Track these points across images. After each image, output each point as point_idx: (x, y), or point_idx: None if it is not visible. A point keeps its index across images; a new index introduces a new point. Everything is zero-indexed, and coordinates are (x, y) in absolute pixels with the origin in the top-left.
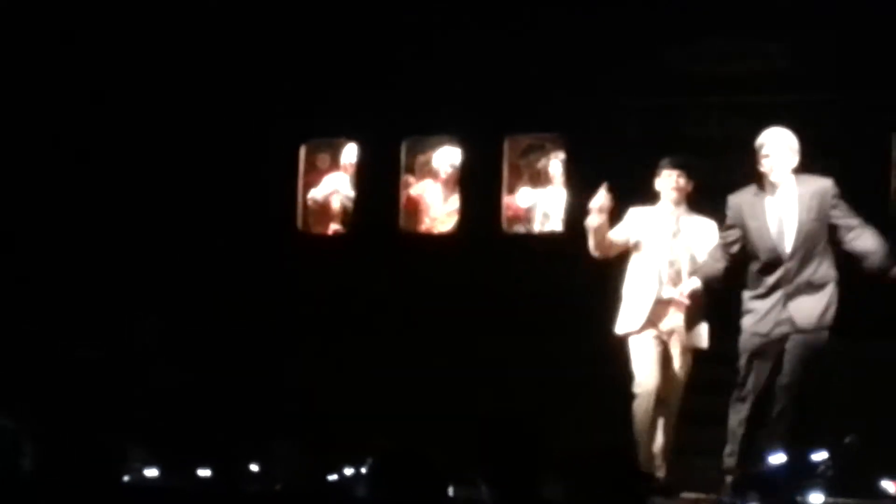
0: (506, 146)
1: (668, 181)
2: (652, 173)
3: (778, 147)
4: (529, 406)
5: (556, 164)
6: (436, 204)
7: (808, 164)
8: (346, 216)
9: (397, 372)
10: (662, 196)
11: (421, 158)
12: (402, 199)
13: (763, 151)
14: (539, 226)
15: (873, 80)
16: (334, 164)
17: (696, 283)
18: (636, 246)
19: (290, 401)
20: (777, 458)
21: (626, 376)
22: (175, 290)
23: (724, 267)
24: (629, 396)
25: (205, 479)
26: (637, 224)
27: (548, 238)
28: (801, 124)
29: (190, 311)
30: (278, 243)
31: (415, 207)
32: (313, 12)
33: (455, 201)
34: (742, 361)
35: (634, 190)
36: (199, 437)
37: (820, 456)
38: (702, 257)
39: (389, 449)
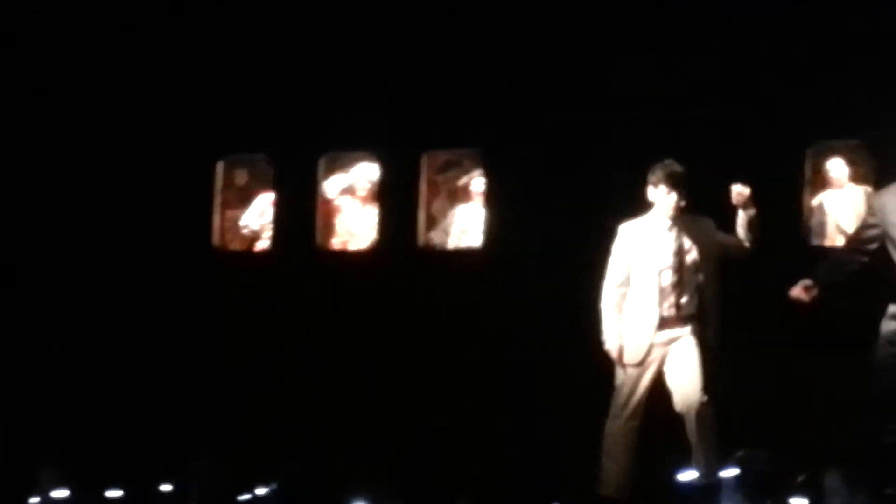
0: (424, 162)
1: (664, 196)
2: (571, 188)
3: None
4: (449, 422)
5: (474, 180)
6: (354, 220)
7: (725, 180)
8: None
9: (315, 388)
10: (657, 210)
11: (339, 175)
12: (320, 216)
13: None
14: (457, 241)
15: (789, 96)
16: (253, 181)
17: (803, 294)
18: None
19: (206, 419)
20: (687, 475)
21: (548, 392)
22: (86, 305)
23: (854, 270)
24: (556, 412)
25: (116, 500)
26: (632, 242)
27: (466, 254)
28: (719, 140)
29: (101, 326)
30: (193, 260)
31: (333, 224)
32: (230, 27)
33: (373, 217)
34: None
35: (553, 207)
36: (111, 456)
37: (731, 472)
38: (697, 268)
39: (298, 467)
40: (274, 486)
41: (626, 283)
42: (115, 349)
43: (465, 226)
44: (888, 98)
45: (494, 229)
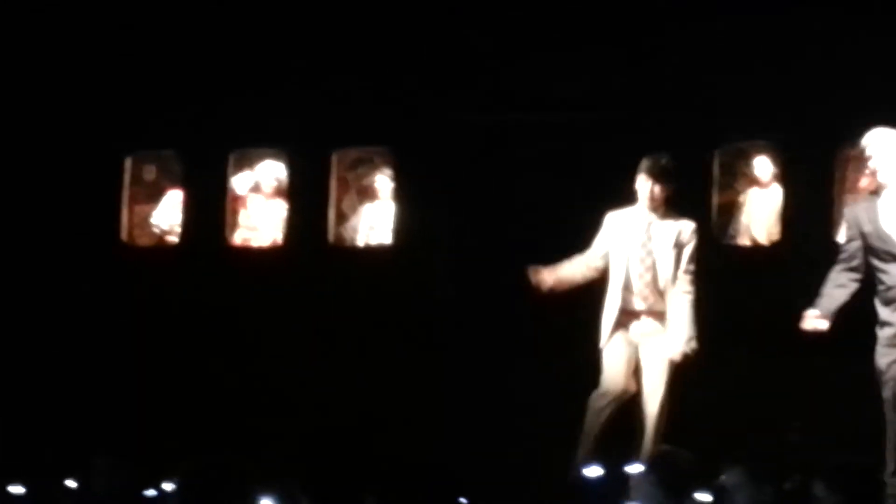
0: (333, 160)
1: (644, 186)
2: (479, 187)
3: (881, 147)
4: (356, 420)
5: (383, 178)
6: (260, 216)
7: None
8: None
9: (222, 385)
10: (639, 200)
11: (248, 171)
12: (229, 213)
13: (867, 153)
14: (366, 238)
15: (695, 99)
16: (161, 177)
17: (819, 323)
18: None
19: (111, 415)
20: (592, 471)
21: (456, 389)
22: None
23: (851, 291)
24: (464, 410)
25: (18, 497)
26: (612, 230)
27: (375, 250)
28: (626, 143)
29: (6, 322)
30: (101, 256)
31: (238, 220)
32: (140, 23)
33: (280, 214)
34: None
35: (462, 205)
36: (14, 453)
37: (635, 468)
38: (666, 265)
39: (201, 463)
40: (177, 481)
41: (601, 268)
42: (21, 345)
43: (374, 223)
44: (796, 99)
45: (403, 226)
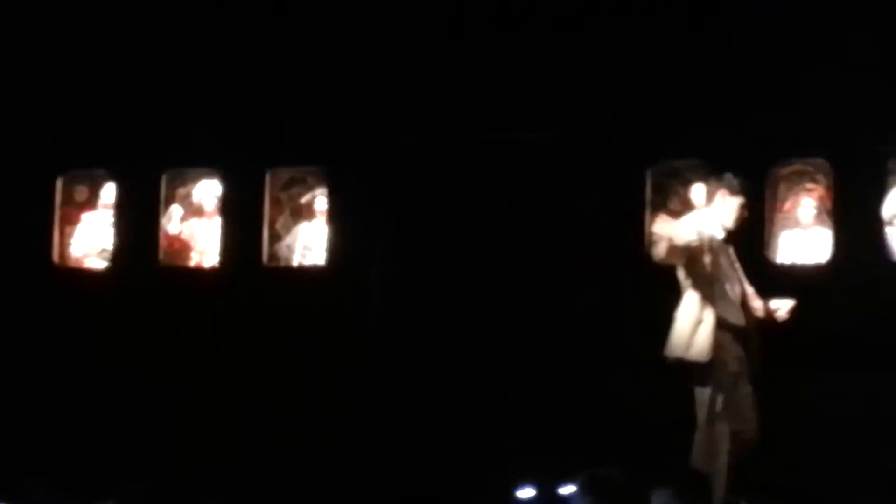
0: (267, 179)
1: (730, 204)
2: (411, 206)
3: None
4: (290, 440)
5: (318, 198)
6: (202, 238)
7: (566, 200)
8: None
9: (156, 408)
10: (722, 220)
11: (181, 191)
12: (164, 234)
13: None
14: (300, 258)
15: (630, 116)
16: (93, 197)
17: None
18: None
19: (42, 437)
20: (525, 492)
21: (389, 406)
22: None
23: None
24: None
25: None
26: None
27: (309, 271)
28: (562, 160)
29: None
30: (33, 277)
31: (180, 242)
32: (71, 41)
33: (215, 234)
34: None
35: (396, 224)
36: None
37: (569, 489)
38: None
39: (136, 487)
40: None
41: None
42: None
43: (309, 243)
44: (727, 118)
45: (337, 247)
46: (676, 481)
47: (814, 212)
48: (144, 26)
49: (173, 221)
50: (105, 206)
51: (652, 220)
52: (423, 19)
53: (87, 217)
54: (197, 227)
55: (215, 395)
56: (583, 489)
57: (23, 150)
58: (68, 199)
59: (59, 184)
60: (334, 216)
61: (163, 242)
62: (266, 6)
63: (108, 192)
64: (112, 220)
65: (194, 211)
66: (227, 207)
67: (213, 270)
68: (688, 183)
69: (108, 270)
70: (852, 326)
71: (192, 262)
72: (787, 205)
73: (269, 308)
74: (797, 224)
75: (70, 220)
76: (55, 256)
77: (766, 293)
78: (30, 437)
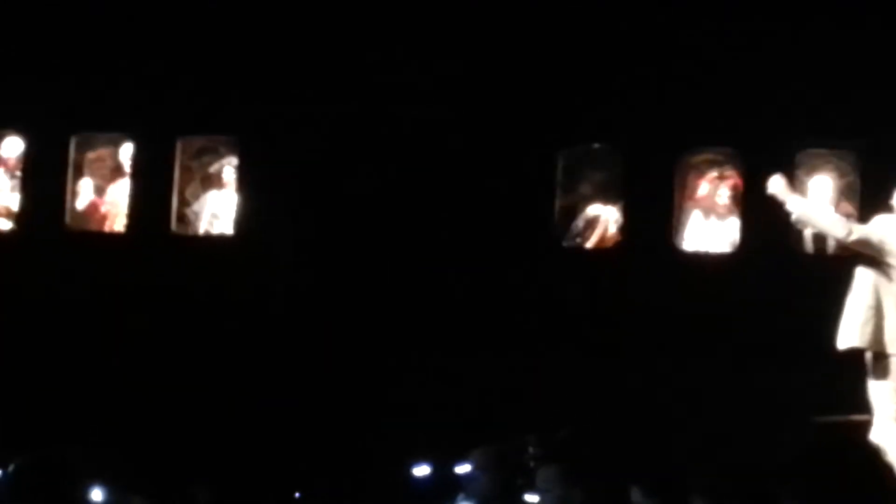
0: (178, 147)
1: None
2: (323, 178)
3: None
4: (191, 412)
5: (228, 167)
6: (110, 203)
7: (477, 179)
8: (10, 213)
9: (54, 375)
10: None
11: (90, 155)
12: (71, 195)
13: None
14: (207, 227)
15: (542, 98)
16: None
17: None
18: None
19: None
20: (421, 470)
21: (292, 382)
22: None
23: None
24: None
25: None
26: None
27: (216, 240)
28: (468, 142)
29: None
30: None
31: (90, 207)
32: None
33: (124, 199)
34: None
35: (305, 195)
36: None
37: (465, 468)
38: None
39: (33, 456)
40: (9, 472)
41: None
42: None
43: (217, 211)
44: (641, 106)
45: (245, 216)
46: (647, 478)
47: (726, 200)
48: None
49: (82, 185)
50: (9, 167)
51: (563, 202)
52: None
53: None
54: (107, 191)
55: (115, 363)
56: (478, 467)
57: None
58: None
59: None
60: (244, 185)
61: (68, 206)
62: None
63: (15, 150)
64: (19, 181)
65: (103, 175)
66: (138, 173)
67: (119, 236)
68: (604, 168)
69: (12, 232)
70: (759, 312)
71: (101, 226)
72: (699, 192)
73: (175, 275)
74: (710, 212)
75: None
76: None
77: (667, 279)
78: None
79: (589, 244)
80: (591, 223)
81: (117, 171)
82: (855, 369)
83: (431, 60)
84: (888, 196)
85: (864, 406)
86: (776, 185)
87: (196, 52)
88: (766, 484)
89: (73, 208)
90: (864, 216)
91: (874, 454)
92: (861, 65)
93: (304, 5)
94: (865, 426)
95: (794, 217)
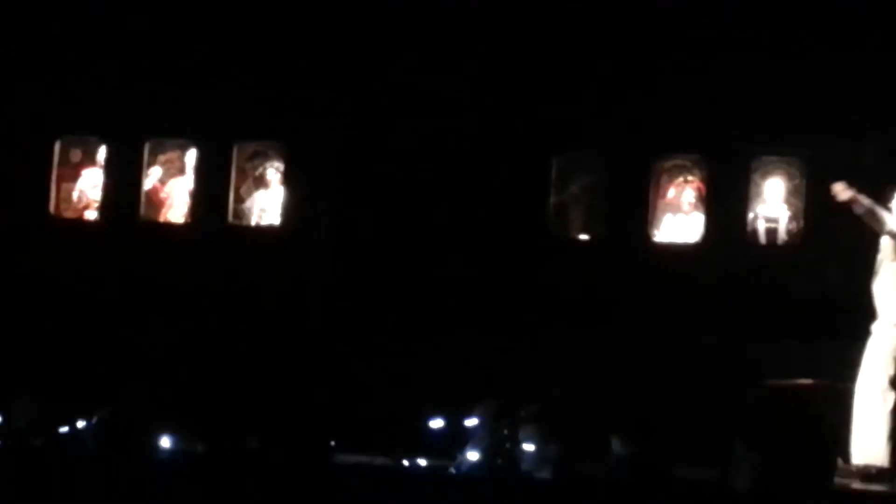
0: (235, 152)
1: None
2: (356, 179)
3: None
4: (243, 373)
5: (272, 169)
6: (177, 198)
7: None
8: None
9: (130, 342)
10: None
11: (161, 157)
12: (145, 191)
13: None
14: (257, 219)
15: (540, 111)
16: (87, 159)
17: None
18: None
19: (32, 363)
20: (436, 423)
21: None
22: None
23: None
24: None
25: None
26: None
27: (264, 229)
28: (478, 148)
29: None
30: (33, 226)
31: (158, 199)
32: (71, 24)
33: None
34: None
35: (341, 194)
36: None
37: (471, 421)
38: None
39: (113, 408)
40: (91, 423)
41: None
42: None
43: (265, 206)
44: (621, 119)
45: (288, 210)
46: (626, 430)
47: (692, 199)
48: (139, 13)
49: (153, 181)
50: (96, 167)
51: (556, 199)
52: (369, 20)
53: (79, 176)
54: (173, 187)
55: (183, 331)
56: (483, 420)
57: (25, 116)
58: (64, 161)
59: (57, 146)
60: (287, 185)
61: (143, 200)
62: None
63: (100, 155)
64: (102, 179)
65: (172, 174)
66: (200, 173)
67: (185, 226)
68: (589, 172)
69: (96, 222)
70: (718, 292)
71: (167, 217)
72: (669, 193)
73: (230, 260)
74: (678, 210)
75: (65, 178)
76: (52, 209)
77: (642, 266)
78: (20, 363)
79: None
80: None
81: (181, 171)
82: (798, 341)
83: (446, 79)
84: (827, 195)
85: (807, 372)
86: (843, 188)
87: (250, 73)
88: (724, 435)
89: (145, 200)
90: (808, 212)
91: (815, 411)
92: (805, 85)
93: (337, 34)
94: (809, 388)
95: (863, 210)
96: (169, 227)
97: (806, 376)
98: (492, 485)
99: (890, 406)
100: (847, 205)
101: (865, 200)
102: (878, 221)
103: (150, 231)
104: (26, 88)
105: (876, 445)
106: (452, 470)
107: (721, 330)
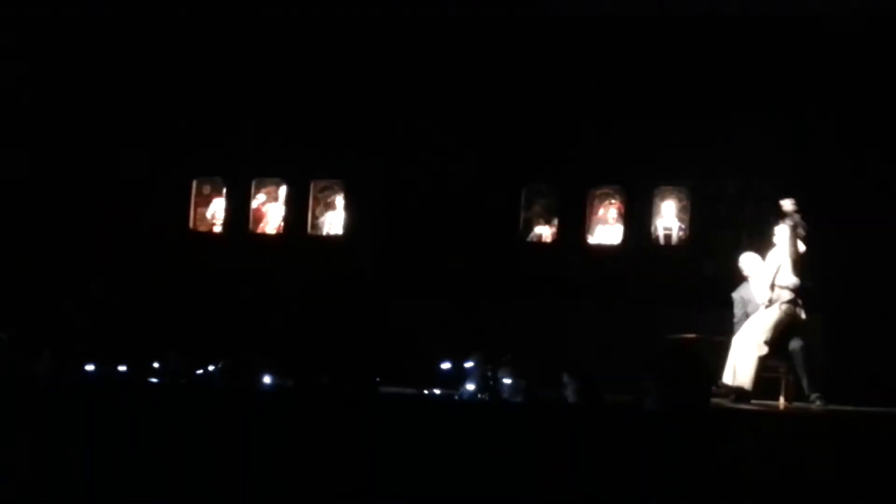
0: (312, 186)
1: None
2: (390, 207)
3: None
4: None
5: (339, 197)
6: (273, 217)
7: (474, 207)
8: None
9: (242, 316)
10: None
11: (263, 190)
12: (252, 213)
13: None
14: (327, 230)
15: (513, 156)
16: (214, 192)
17: None
18: None
19: (177, 329)
20: (446, 365)
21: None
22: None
23: None
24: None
25: (121, 373)
26: None
27: (332, 238)
28: (469, 182)
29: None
30: (178, 238)
31: (260, 218)
32: (200, 82)
33: (281, 216)
34: None
35: (381, 217)
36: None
37: (469, 364)
38: None
39: (232, 357)
40: (218, 368)
41: None
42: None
43: (333, 223)
44: (568, 159)
45: (349, 226)
46: (572, 369)
47: (615, 215)
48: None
49: (258, 205)
50: (219, 196)
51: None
52: (400, 95)
53: (208, 203)
54: (270, 210)
55: (284, 315)
56: (476, 362)
57: (168, 161)
58: (199, 193)
59: (194, 183)
60: (348, 208)
61: (251, 219)
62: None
63: (221, 188)
64: (222, 205)
65: (271, 201)
66: (289, 201)
67: (279, 236)
68: (547, 197)
69: (220, 235)
70: (635, 277)
71: (267, 230)
72: (599, 211)
73: (310, 260)
74: (605, 223)
75: (200, 204)
76: (191, 225)
77: (582, 260)
78: (175, 331)
79: (541, 239)
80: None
81: (276, 199)
82: (687, 308)
83: (450, 136)
84: (708, 213)
85: (694, 329)
86: (790, 203)
87: (320, 128)
88: (637, 377)
89: (252, 221)
90: (693, 226)
91: (698, 357)
92: (689, 137)
93: (374, 104)
94: (695, 341)
95: (792, 223)
96: (267, 237)
97: (689, 332)
98: (482, 407)
99: (758, 354)
100: (784, 215)
101: (797, 217)
102: (794, 238)
103: (254, 241)
104: (169, 142)
105: (742, 375)
106: (457, 397)
107: (636, 301)
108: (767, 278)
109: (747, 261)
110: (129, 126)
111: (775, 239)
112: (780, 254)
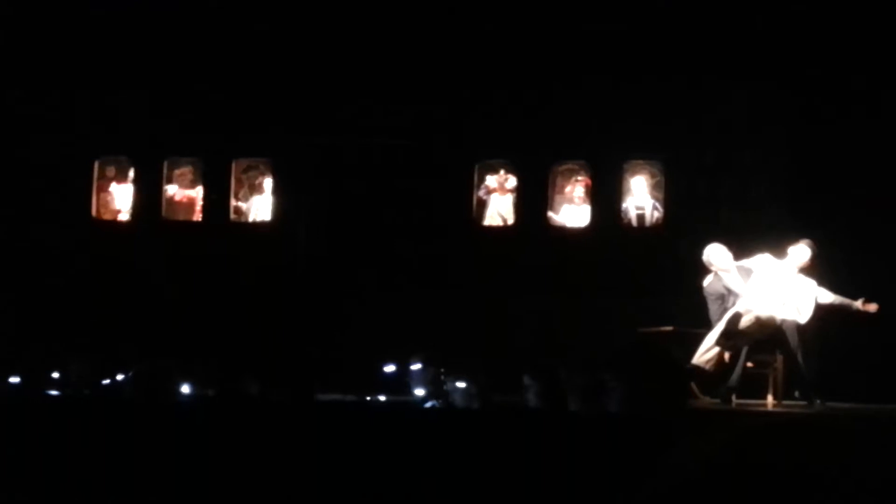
0: (233, 165)
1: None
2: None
3: None
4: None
5: (266, 179)
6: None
7: (424, 184)
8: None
9: (161, 304)
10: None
11: (176, 172)
12: (164, 199)
13: None
14: (253, 217)
15: (465, 132)
16: (119, 176)
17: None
18: None
19: (79, 331)
20: (390, 367)
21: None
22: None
23: None
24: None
25: (15, 385)
26: None
27: (259, 225)
28: (419, 161)
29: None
30: (76, 226)
31: (177, 203)
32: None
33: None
34: None
35: (313, 199)
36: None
37: (416, 366)
38: None
39: (145, 364)
40: (128, 376)
41: None
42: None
43: (259, 207)
44: (524, 134)
45: (277, 210)
46: (533, 369)
47: (581, 194)
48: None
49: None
50: (125, 181)
51: (479, 198)
52: (337, 71)
53: (115, 188)
54: (186, 195)
55: (196, 304)
56: (422, 365)
57: (68, 141)
58: (102, 175)
59: (96, 165)
60: (275, 191)
61: (163, 204)
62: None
63: (128, 170)
64: (132, 189)
65: (184, 185)
66: (207, 183)
67: (195, 224)
68: (498, 172)
69: (127, 223)
70: (603, 262)
71: (182, 217)
72: (565, 189)
73: (232, 245)
74: (572, 201)
75: (102, 189)
76: (93, 213)
77: (545, 241)
78: (73, 330)
79: (496, 222)
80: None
81: (194, 182)
82: (658, 297)
83: (394, 109)
84: (684, 190)
85: (666, 320)
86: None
87: (246, 102)
88: (604, 369)
89: (167, 203)
90: (667, 203)
91: (667, 350)
92: (662, 105)
93: (312, 79)
94: (665, 333)
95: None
96: (188, 224)
97: (664, 324)
98: (437, 416)
99: (719, 349)
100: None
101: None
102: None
103: (172, 228)
104: (69, 119)
105: (704, 356)
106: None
107: (603, 290)
108: (797, 295)
109: (715, 253)
110: (22, 100)
111: (791, 257)
112: (801, 274)
